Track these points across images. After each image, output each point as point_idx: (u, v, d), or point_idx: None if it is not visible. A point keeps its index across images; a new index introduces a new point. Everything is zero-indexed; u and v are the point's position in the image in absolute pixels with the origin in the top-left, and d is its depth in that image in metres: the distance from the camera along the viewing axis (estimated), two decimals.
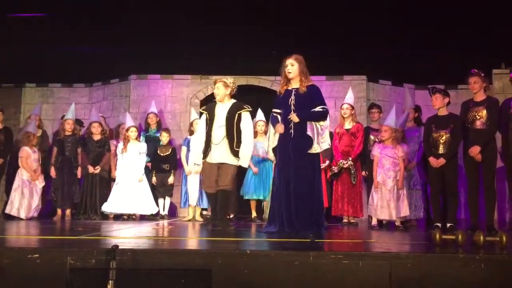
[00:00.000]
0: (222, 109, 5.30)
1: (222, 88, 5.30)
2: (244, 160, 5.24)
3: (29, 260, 2.98)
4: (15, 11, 8.82)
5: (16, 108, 9.10)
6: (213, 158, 5.23)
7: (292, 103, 4.85)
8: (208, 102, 8.30)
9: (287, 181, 4.75)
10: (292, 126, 4.81)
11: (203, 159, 5.29)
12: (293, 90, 4.89)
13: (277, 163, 4.92)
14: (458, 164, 5.76)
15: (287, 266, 2.96)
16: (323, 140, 4.84)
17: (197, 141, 5.46)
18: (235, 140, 5.19)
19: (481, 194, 5.49)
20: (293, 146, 4.79)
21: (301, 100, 4.83)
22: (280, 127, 4.83)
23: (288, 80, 4.92)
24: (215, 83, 5.40)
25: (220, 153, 5.20)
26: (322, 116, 4.84)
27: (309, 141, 4.79)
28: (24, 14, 8.89)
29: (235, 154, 5.19)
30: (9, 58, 8.58)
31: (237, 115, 5.23)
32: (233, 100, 5.39)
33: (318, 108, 4.82)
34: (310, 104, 4.83)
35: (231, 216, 7.14)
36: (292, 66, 4.86)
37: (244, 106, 5.32)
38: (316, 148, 4.83)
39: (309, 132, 4.79)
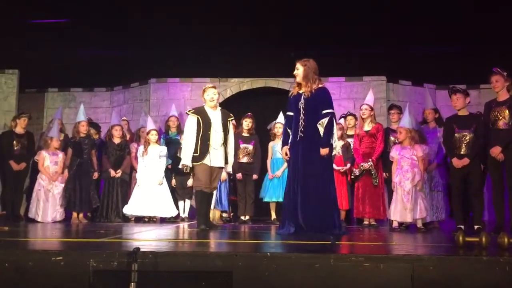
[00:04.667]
0: (215, 114, 5.53)
1: (217, 95, 5.63)
2: (230, 166, 5.76)
3: (53, 262, 3.02)
4: (36, 17, 8.97)
5: (39, 113, 9.25)
6: (213, 161, 5.44)
7: (301, 106, 4.88)
8: (227, 105, 8.43)
9: (296, 181, 4.81)
10: (302, 129, 4.83)
11: (199, 162, 5.43)
12: (303, 93, 4.93)
13: (289, 165, 5.01)
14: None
15: (308, 268, 2.96)
16: (335, 145, 4.90)
17: (191, 143, 5.51)
18: (227, 146, 5.57)
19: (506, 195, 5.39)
20: (303, 147, 4.83)
21: (310, 103, 4.87)
22: (284, 153, 4.95)
23: (298, 83, 4.96)
24: (205, 90, 5.59)
25: (219, 158, 5.48)
26: (332, 123, 4.84)
27: (319, 144, 4.78)
28: (45, 20, 9.04)
29: (226, 159, 5.56)
30: (31, 64, 8.74)
31: (229, 122, 5.60)
32: (219, 107, 5.68)
33: (324, 111, 4.81)
34: (319, 107, 4.85)
35: (246, 218, 7.11)
36: (297, 70, 4.92)
37: (231, 114, 5.70)
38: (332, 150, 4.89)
39: (320, 134, 4.81)
